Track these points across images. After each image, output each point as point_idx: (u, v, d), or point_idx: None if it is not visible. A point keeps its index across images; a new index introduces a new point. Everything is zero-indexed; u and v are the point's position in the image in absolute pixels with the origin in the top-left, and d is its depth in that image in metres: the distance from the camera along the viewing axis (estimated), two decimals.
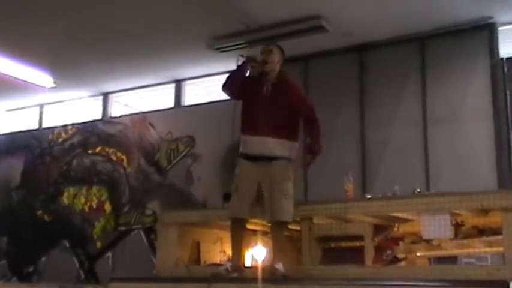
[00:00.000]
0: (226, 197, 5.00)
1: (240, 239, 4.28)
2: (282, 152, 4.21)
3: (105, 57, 7.35)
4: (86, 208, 8.44)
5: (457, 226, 3.95)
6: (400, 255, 4.27)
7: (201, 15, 6.13)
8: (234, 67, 4.41)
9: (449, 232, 3.82)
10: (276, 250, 4.17)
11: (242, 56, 4.38)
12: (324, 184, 6.51)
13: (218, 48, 6.83)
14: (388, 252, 4.19)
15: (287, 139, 4.24)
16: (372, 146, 6.68)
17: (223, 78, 4.57)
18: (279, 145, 4.21)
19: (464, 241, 4.07)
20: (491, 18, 6.19)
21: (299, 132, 4.34)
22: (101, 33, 6.67)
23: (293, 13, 6.13)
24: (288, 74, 4.47)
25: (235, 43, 6.64)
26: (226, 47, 6.74)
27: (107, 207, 8.28)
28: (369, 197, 4.52)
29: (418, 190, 4.50)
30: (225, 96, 4.57)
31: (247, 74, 4.42)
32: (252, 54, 4.45)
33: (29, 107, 9.57)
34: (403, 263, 4.28)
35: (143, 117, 8.35)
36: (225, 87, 4.43)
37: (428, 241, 4.07)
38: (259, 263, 4.39)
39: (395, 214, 4.10)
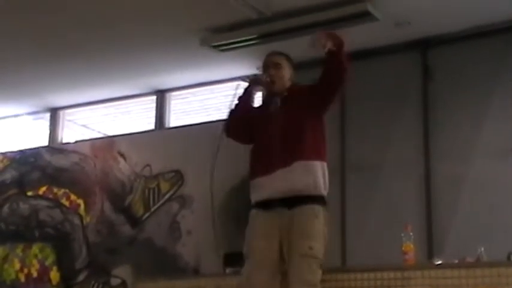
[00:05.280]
0: (229, 258, 5.17)
1: None
2: (306, 179, 4.27)
3: (53, 57, 7.37)
4: (22, 277, 8.42)
5: None
6: None
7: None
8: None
9: None
10: None
11: (244, 80, 4.55)
12: (370, 242, 6.51)
13: (217, 46, 6.86)
14: None
15: (311, 157, 4.30)
16: (441, 185, 6.62)
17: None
18: (300, 170, 4.27)
19: None
20: None
21: (326, 147, 4.43)
22: (48, 24, 6.66)
23: None
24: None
25: (241, 38, 6.67)
26: (229, 43, 6.78)
27: (54, 275, 8.25)
28: (438, 262, 4.51)
29: None
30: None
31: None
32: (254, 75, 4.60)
33: None
34: None
35: (109, 144, 8.39)
36: (227, 132, 4.65)
37: None
38: None
39: None
